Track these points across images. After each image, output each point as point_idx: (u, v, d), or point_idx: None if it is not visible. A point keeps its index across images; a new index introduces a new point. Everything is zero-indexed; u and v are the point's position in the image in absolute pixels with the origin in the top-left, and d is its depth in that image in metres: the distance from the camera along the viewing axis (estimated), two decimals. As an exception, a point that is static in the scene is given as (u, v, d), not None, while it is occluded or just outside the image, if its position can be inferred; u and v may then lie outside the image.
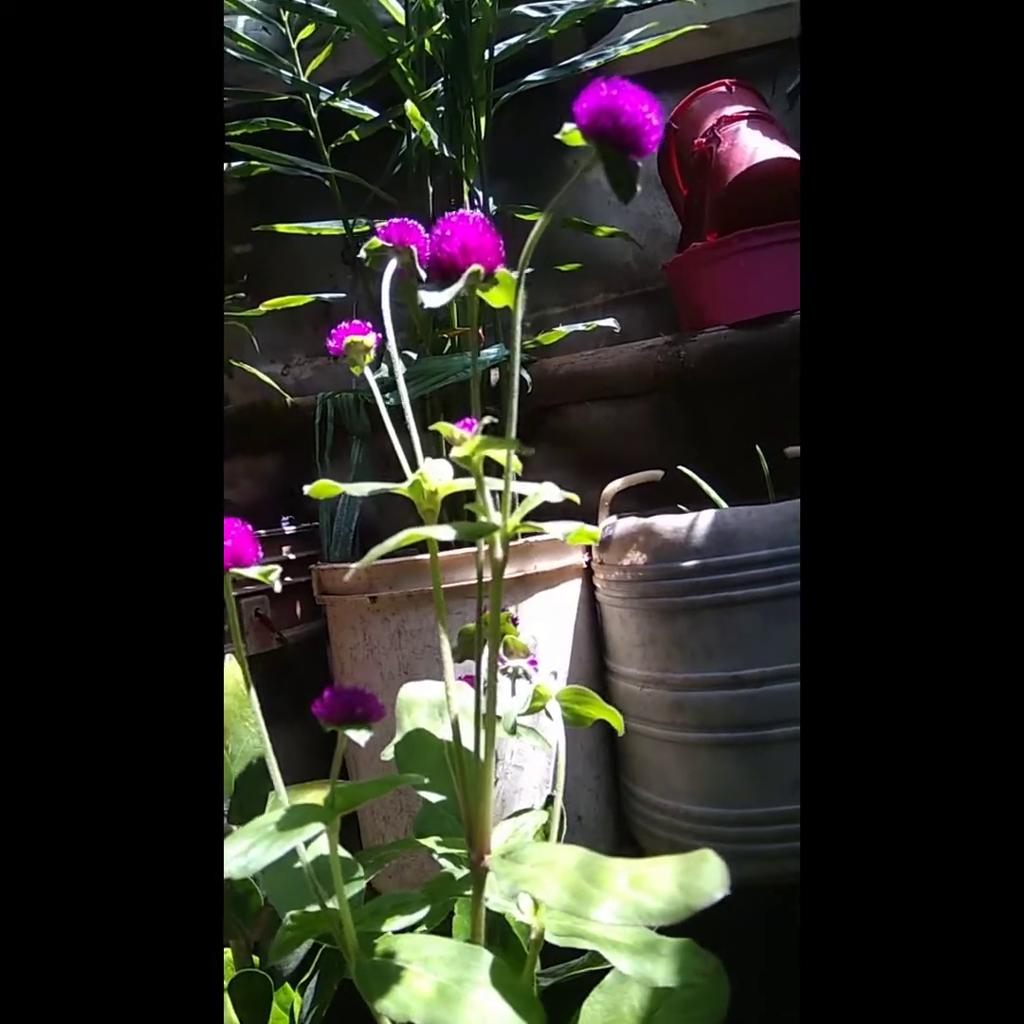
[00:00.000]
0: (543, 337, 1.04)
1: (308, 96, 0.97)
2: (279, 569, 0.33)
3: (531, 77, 0.96)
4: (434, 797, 0.37)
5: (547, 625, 0.97)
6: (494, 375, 1.07)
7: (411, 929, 0.33)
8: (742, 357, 1.05)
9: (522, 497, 0.34)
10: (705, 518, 0.89)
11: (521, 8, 0.97)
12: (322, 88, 0.97)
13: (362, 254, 0.43)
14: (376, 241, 0.42)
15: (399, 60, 0.88)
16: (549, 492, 0.32)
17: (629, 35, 0.99)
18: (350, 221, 1.02)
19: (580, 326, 1.02)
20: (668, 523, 0.91)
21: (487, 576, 0.46)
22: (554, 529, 0.33)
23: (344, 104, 0.98)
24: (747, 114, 1.02)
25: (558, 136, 0.32)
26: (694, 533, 0.89)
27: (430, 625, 0.94)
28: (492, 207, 1.01)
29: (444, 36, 0.91)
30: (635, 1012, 0.41)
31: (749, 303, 1.04)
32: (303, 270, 1.37)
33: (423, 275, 0.43)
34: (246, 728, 0.48)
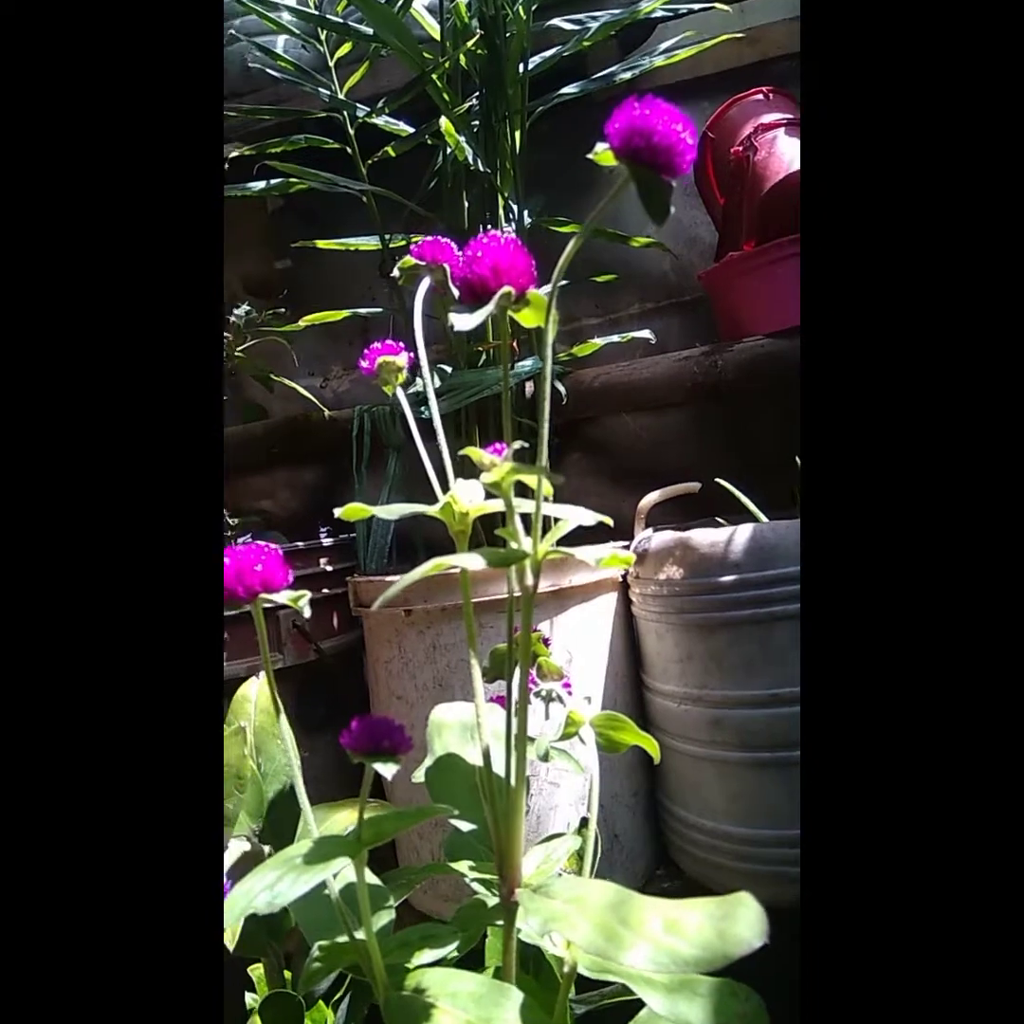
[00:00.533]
0: (577, 349, 1.04)
1: (345, 113, 0.98)
2: (308, 594, 0.33)
3: (565, 90, 0.96)
4: (465, 826, 0.37)
5: (582, 640, 0.96)
6: (530, 387, 1.07)
7: (440, 961, 0.33)
8: (780, 367, 1.03)
9: (555, 519, 0.34)
10: (743, 532, 0.87)
11: (555, 21, 0.97)
12: (359, 105, 0.98)
13: (396, 271, 0.43)
14: (410, 259, 0.42)
15: (434, 76, 0.88)
16: (580, 516, 0.31)
17: (664, 45, 0.98)
18: (387, 237, 1.03)
19: (615, 338, 1.02)
20: (706, 537, 0.89)
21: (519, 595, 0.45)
22: (585, 553, 0.32)
23: (380, 120, 0.99)
24: (785, 122, 1.01)
25: (590, 156, 0.31)
26: (732, 547, 0.87)
27: (463, 639, 0.94)
28: (527, 221, 1.00)
29: (479, 51, 0.91)
30: (670, 1048, 0.40)
31: (787, 313, 1.02)
32: (342, 284, 1.39)
33: (456, 293, 0.43)
34: (278, 746, 0.48)
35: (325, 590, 1.10)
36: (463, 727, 0.42)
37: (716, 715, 0.88)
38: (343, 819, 0.50)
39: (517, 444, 0.31)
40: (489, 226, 1.00)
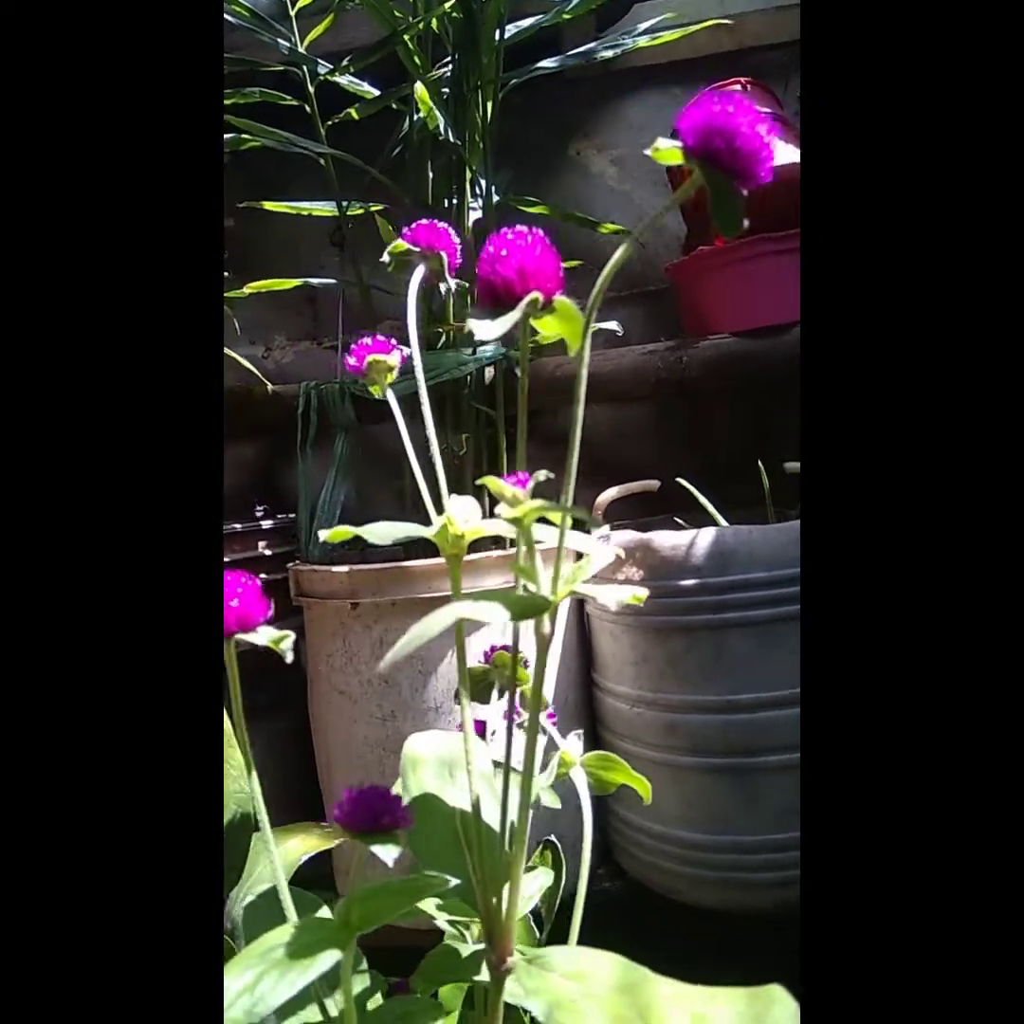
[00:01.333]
0: (541, 337, 1.00)
1: (305, 68, 0.91)
2: (292, 636, 0.28)
3: (543, 63, 0.91)
4: (449, 881, 0.33)
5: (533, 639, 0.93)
6: (489, 372, 1.03)
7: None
8: (746, 367, 1.02)
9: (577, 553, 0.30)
10: (705, 536, 0.86)
11: (536, -11, 0.92)
12: (321, 61, 0.91)
13: (386, 256, 0.39)
14: (401, 244, 0.37)
15: (406, 37, 0.82)
16: (604, 555, 0.28)
17: (644, 25, 0.95)
18: (344, 203, 0.97)
19: (582, 327, 0.98)
20: (667, 540, 0.87)
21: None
22: (606, 595, 0.29)
23: (344, 79, 0.92)
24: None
25: (647, 151, 0.28)
26: (693, 551, 0.86)
27: (414, 634, 0.90)
28: (495, 198, 0.96)
29: (454, 14, 0.85)
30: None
31: (756, 312, 1.01)
32: (289, 250, 1.31)
33: (452, 283, 0.39)
34: (234, 770, 0.44)
35: (263, 576, 1.04)
36: (441, 762, 0.39)
37: (671, 719, 0.86)
38: (296, 848, 0.47)
39: (542, 474, 0.27)
40: (455, 199, 0.95)
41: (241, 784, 0.43)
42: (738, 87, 1.04)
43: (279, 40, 0.90)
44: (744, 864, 0.85)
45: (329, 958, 0.23)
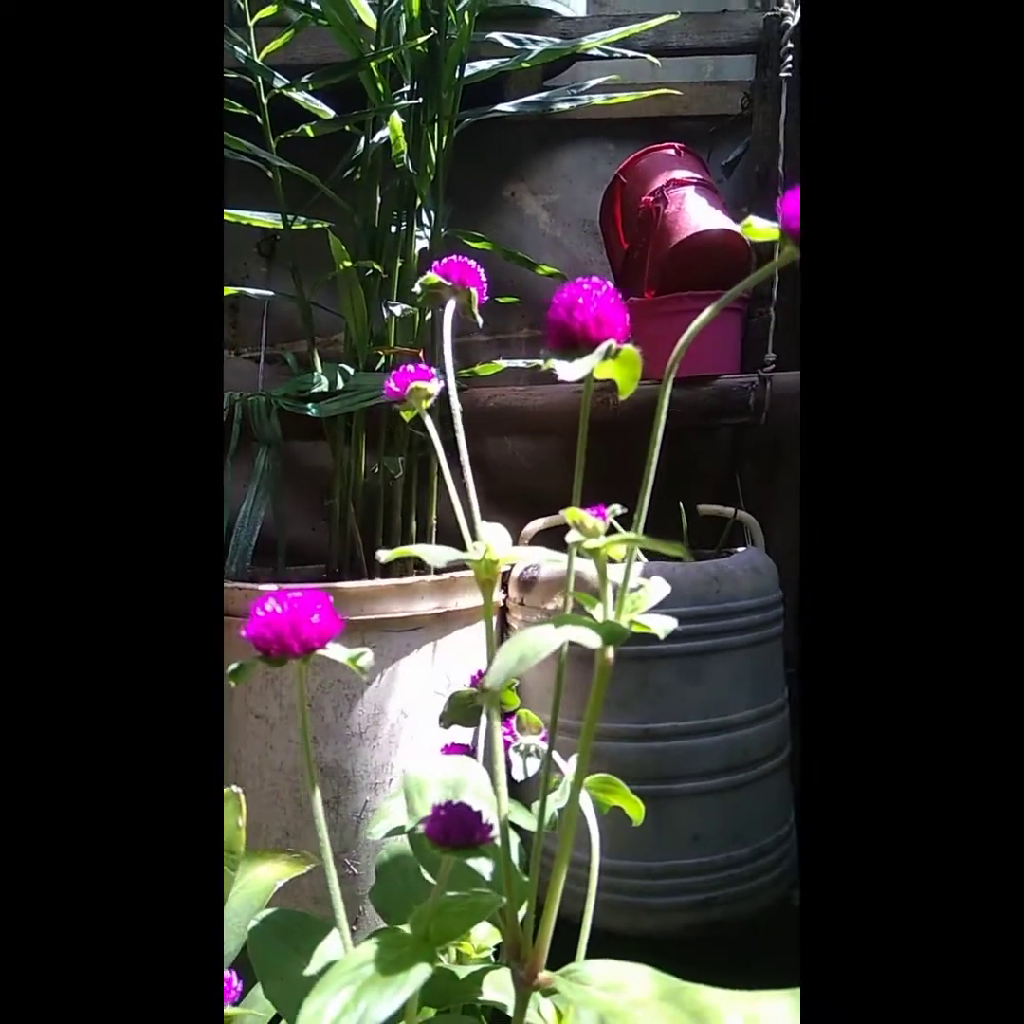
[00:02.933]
0: (480, 368, 1.02)
1: (260, 79, 0.90)
2: (369, 652, 0.29)
3: (502, 106, 0.94)
4: (502, 900, 0.34)
5: (463, 663, 0.94)
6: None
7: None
8: (669, 414, 1.07)
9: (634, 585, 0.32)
10: (633, 571, 0.90)
11: (495, 35, 0.95)
12: (277, 74, 0.91)
13: (417, 287, 0.40)
14: (433, 277, 0.38)
15: (372, 64, 0.84)
16: (661, 590, 0.30)
17: (593, 82, 1.00)
18: (290, 217, 0.96)
19: (520, 362, 1.01)
20: (593, 572, 0.91)
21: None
22: (654, 622, 0.31)
23: (300, 95, 0.92)
24: (694, 181, 1.06)
25: (736, 227, 0.30)
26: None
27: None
28: (443, 230, 0.98)
29: (420, 49, 0.87)
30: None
31: (681, 363, 1.07)
32: (212, 256, 1.27)
33: (480, 320, 0.41)
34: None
35: (175, 591, 0.99)
36: (445, 786, 0.39)
37: (591, 747, 0.89)
38: (266, 874, 0.45)
39: (617, 507, 0.29)
40: (404, 225, 0.96)
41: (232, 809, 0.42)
42: (672, 151, 1.11)
43: (236, 48, 0.89)
44: (655, 889, 0.88)
45: (420, 973, 0.24)
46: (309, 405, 0.98)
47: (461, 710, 0.45)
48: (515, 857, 0.36)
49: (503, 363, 0.99)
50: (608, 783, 0.40)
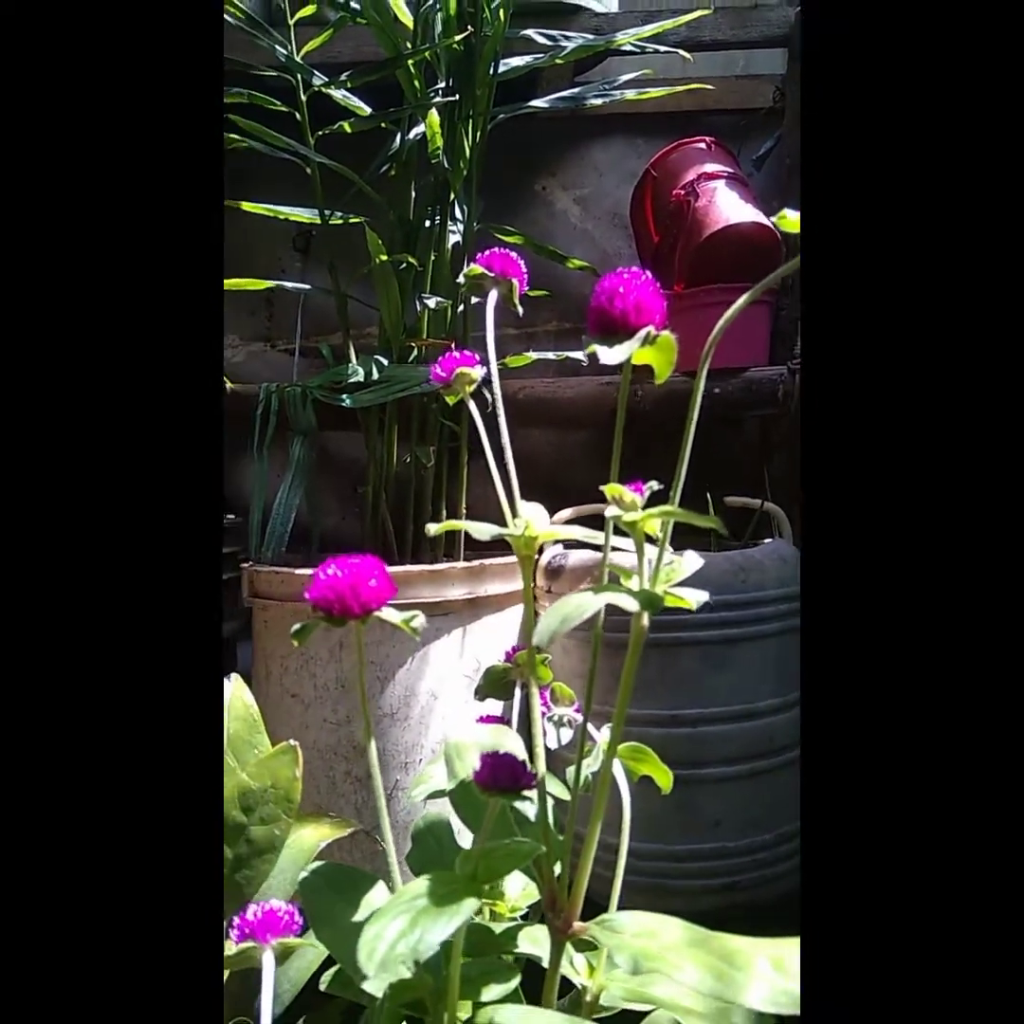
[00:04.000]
0: (510, 360, 1.04)
1: (300, 77, 0.93)
2: (421, 616, 0.31)
3: (535, 102, 0.96)
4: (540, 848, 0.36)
5: (492, 647, 0.96)
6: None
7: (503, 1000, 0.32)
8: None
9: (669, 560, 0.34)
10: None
11: (529, 32, 0.97)
12: (316, 72, 0.93)
13: (461, 278, 0.42)
14: (476, 268, 0.40)
15: (409, 62, 0.85)
16: (693, 563, 0.32)
17: (625, 77, 1.01)
18: (327, 212, 0.98)
19: (549, 355, 1.03)
20: (622, 560, 0.92)
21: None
22: (687, 594, 0.33)
23: (338, 93, 0.94)
24: (725, 174, 1.07)
25: (771, 220, 0.32)
26: (647, 572, 0.91)
27: (372, 640, 0.91)
28: (476, 225, 1.00)
29: (456, 46, 0.89)
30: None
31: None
32: (247, 251, 1.30)
33: (520, 309, 0.43)
34: (255, 755, 0.45)
35: (213, 575, 1.02)
36: (485, 750, 0.41)
37: (625, 712, 0.91)
38: (311, 835, 0.48)
39: (654, 484, 0.31)
40: (438, 219, 0.98)
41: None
42: (703, 145, 1.12)
43: (276, 46, 0.91)
44: (677, 872, 0.90)
45: (470, 906, 0.26)
46: (344, 396, 1.00)
47: (496, 683, 0.47)
48: (550, 818, 0.38)
49: (533, 355, 1.01)
50: (639, 752, 0.42)
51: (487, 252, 0.41)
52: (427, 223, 0.98)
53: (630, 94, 0.93)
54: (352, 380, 0.96)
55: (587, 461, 1.28)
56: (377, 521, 1.06)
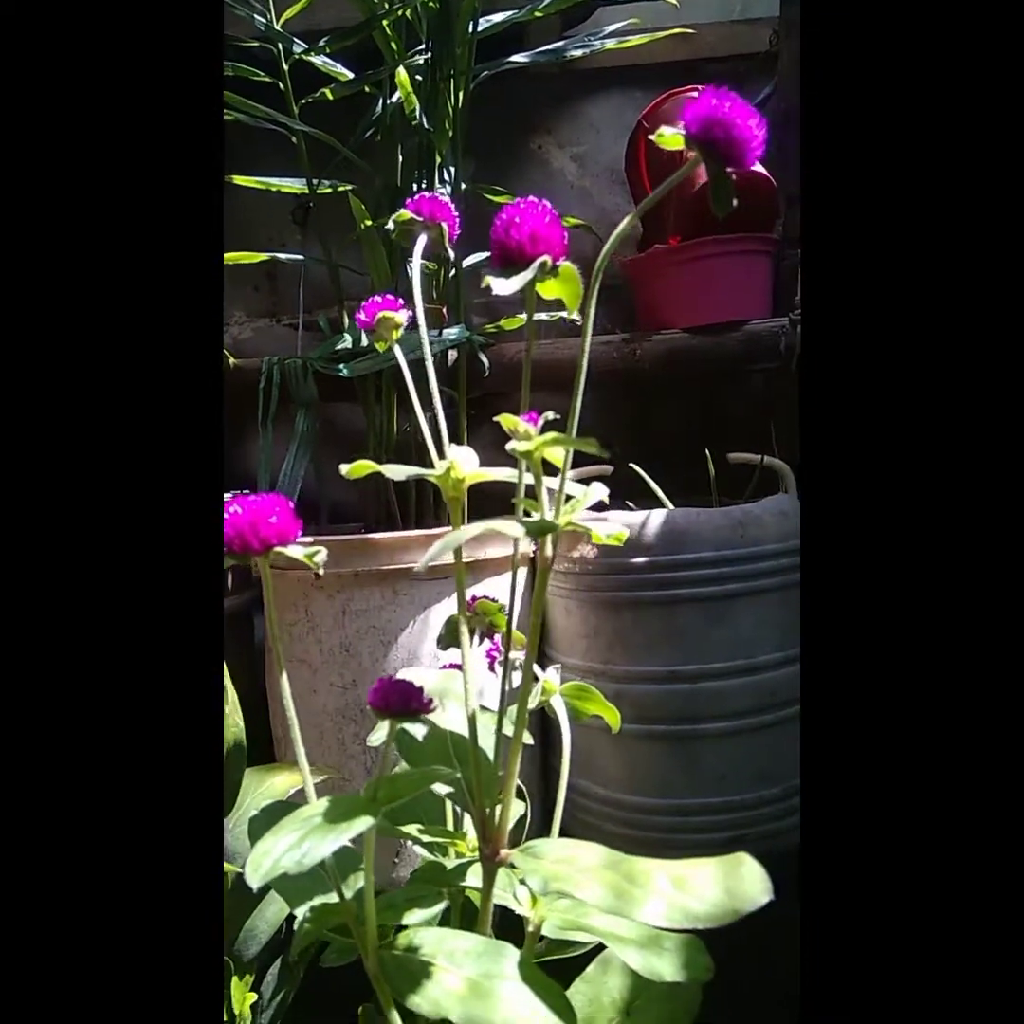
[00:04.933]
0: (505, 321, 1.03)
1: (281, 46, 0.93)
2: (325, 550, 0.31)
3: (515, 57, 0.95)
4: (443, 789, 0.37)
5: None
6: (452, 355, 1.06)
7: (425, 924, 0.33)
8: (694, 361, 1.07)
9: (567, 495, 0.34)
10: (656, 517, 0.91)
11: (508, -15, 0.95)
12: (296, 40, 0.93)
13: (390, 224, 0.42)
14: (405, 213, 0.40)
15: (384, 22, 0.85)
16: (597, 493, 0.32)
17: (610, 27, 0.99)
18: (314, 181, 0.98)
19: (543, 315, 1.02)
20: (621, 519, 0.92)
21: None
22: (600, 529, 0.33)
23: (319, 59, 0.94)
24: (719, 122, 1.04)
25: (652, 137, 0.32)
26: (645, 531, 0.91)
27: (374, 605, 0.93)
28: (463, 185, 0.99)
29: (430, 4, 0.88)
30: (616, 1003, 0.42)
31: (705, 309, 1.06)
32: (248, 227, 1.31)
33: (451, 253, 0.42)
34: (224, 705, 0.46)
35: (222, 548, 1.05)
36: (432, 692, 0.42)
37: (617, 689, 0.91)
38: (281, 783, 0.49)
39: (549, 414, 0.31)
40: (424, 183, 0.98)
41: (235, 718, 0.45)
42: (695, 94, 1.09)
43: (255, 16, 0.91)
44: (684, 826, 0.90)
45: (362, 823, 0.27)
46: (341, 366, 1.01)
47: (456, 633, 0.47)
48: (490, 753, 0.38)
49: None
50: (583, 691, 0.42)
51: (416, 197, 0.41)
52: (414, 187, 0.97)
53: (611, 43, 0.91)
54: (345, 349, 0.97)
55: (591, 424, 1.27)
56: (380, 489, 1.07)
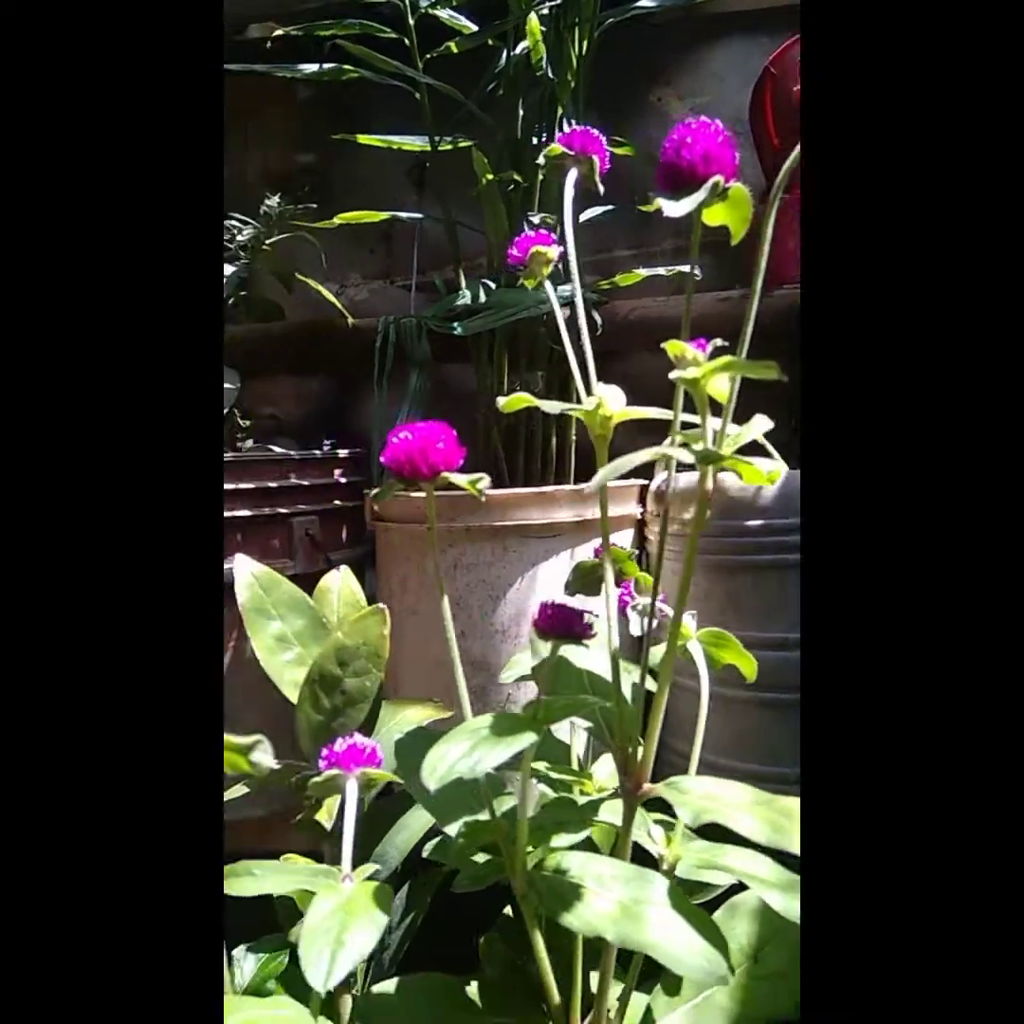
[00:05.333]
0: (620, 278, 1.02)
1: (407, 0, 0.93)
2: (488, 478, 0.32)
3: (641, 2, 0.92)
4: (583, 723, 0.37)
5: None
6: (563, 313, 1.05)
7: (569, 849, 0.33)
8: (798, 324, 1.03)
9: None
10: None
11: (637, -73, 0.92)
12: (423, -6, 0.93)
13: (540, 159, 0.41)
14: (556, 147, 0.40)
15: (513, -31, 0.84)
16: (761, 424, 0.31)
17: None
18: (436, 137, 0.98)
19: (660, 270, 1.00)
20: (736, 481, 0.90)
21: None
22: (760, 464, 0.32)
23: (444, 13, 0.93)
24: (856, 65, 0.98)
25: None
26: (761, 493, 0.88)
27: (484, 560, 0.94)
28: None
29: (559, -51, 0.86)
30: (744, 949, 0.42)
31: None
32: (366, 188, 1.33)
33: (601, 187, 0.42)
34: (364, 647, 0.48)
35: (337, 502, 1.08)
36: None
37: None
38: (412, 715, 0.51)
39: (718, 341, 0.30)
40: (544, 136, 0.97)
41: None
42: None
43: (382, -29, 0.92)
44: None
45: (527, 739, 0.27)
46: (454, 324, 1.02)
47: (585, 578, 0.48)
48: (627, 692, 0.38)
49: (643, 272, 0.98)
50: (720, 637, 0.42)
51: (568, 130, 0.41)
52: (534, 141, 0.96)
53: (745, -18, 0.87)
54: (461, 305, 0.97)
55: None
56: (489, 449, 1.08)
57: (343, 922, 0.26)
